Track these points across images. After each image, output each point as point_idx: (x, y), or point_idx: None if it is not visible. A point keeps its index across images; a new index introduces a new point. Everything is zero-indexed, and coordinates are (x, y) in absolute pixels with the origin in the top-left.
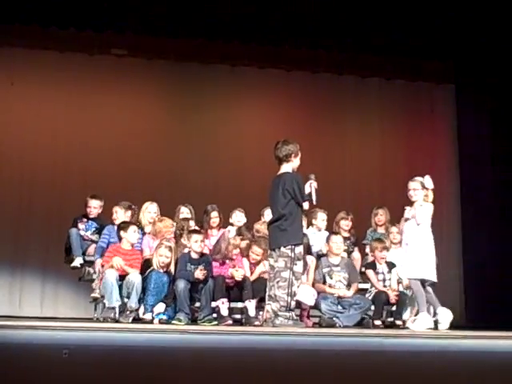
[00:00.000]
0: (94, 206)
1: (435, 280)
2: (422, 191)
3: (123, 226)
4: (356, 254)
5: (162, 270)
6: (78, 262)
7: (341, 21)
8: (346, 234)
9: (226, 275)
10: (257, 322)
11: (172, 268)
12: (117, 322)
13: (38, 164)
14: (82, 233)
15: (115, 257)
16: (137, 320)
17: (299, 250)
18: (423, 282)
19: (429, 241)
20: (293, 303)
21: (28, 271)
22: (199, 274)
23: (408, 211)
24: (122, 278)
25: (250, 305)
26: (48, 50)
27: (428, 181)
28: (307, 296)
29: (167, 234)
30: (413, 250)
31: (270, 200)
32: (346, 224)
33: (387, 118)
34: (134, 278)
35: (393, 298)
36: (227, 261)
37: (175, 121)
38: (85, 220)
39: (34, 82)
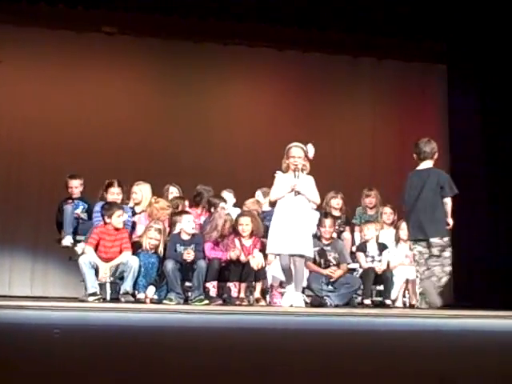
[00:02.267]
0: (76, 186)
1: (302, 253)
2: (304, 160)
3: (107, 208)
4: (347, 235)
5: (151, 252)
6: (68, 240)
7: (333, 0)
8: (337, 213)
9: (225, 258)
10: (238, 302)
11: (161, 249)
12: (104, 300)
13: (27, 142)
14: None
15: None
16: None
17: (446, 238)
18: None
19: (290, 213)
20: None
21: (18, 250)
22: (187, 256)
23: (281, 177)
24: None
25: (234, 287)
26: (37, 27)
27: (311, 149)
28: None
29: (162, 216)
30: (274, 223)
31: (410, 190)
32: (336, 203)
33: (379, 97)
34: (133, 261)
35: (379, 270)
36: (220, 239)
37: (165, 99)
38: (70, 201)
39: (23, 60)
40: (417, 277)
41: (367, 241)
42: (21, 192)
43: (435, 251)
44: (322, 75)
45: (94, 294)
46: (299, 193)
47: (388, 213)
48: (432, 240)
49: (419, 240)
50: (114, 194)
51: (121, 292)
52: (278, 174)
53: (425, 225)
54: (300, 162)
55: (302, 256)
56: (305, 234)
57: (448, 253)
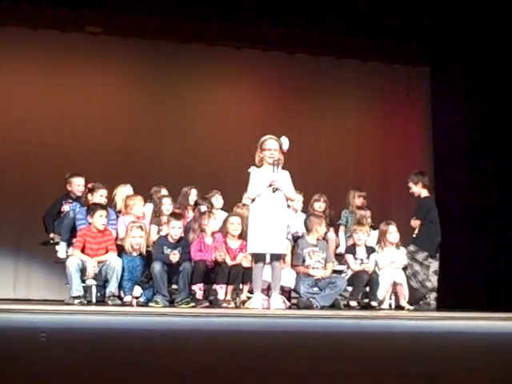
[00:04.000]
0: (80, 184)
1: (282, 252)
2: (279, 153)
3: (91, 209)
4: (331, 235)
5: (134, 253)
6: (63, 251)
7: (318, 2)
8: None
9: (209, 259)
10: (224, 304)
11: (144, 249)
12: (89, 303)
13: (11, 142)
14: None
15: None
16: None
17: None
18: (265, 256)
19: (270, 211)
20: None
21: (0, 252)
22: (173, 257)
23: (257, 173)
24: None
25: (221, 290)
26: (21, 26)
27: (285, 142)
28: (289, 279)
29: (135, 207)
30: (254, 222)
31: (432, 212)
32: (319, 206)
33: (363, 99)
34: (115, 262)
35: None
36: (207, 240)
37: (150, 100)
38: (70, 201)
39: (5, 60)
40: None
41: (357, 244)
42: (3, 192)
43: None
44: (308, 76)
45: (78, 297)
46: (278, 189)
47: (368, 216)
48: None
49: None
50: (103, 196)
51: (107, 295)
52: (254, 170)
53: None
54: (276, 154)
55: (280, 256)
56: (283, 232)
57: None
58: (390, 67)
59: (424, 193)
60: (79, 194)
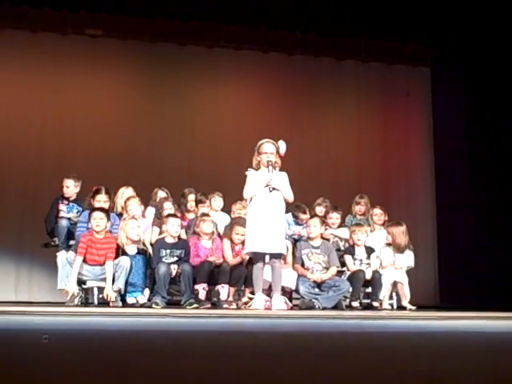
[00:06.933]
0: (67, 185)
1: (280, 252)
2: (275, 157)
3: (89, 213)
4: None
5: (133, 246)
6: (63, 257)
7: (317, 3)
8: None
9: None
10: (226, 305)
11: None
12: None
13: (12, 145)
14: (63, 214)
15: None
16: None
17: None
18: (264, 257)
19: (266, 211)
20: None
21: (1, 254)
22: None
23: (253, 175)
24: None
25: (223, 290)
26: (20, 29)
27: (282, 145)
28: (290, 280)
29: (129, 208)
30: (250, 222)
31: None
32: (320, 210)
33: (364, 100)
34: (124, 261)
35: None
36: (205, 243)
37: (150, 102)
38: (66, 202)
39: (6, 63)
40: None
41: (357, 244)
42: (4, 195)
43: None
44: (308, 78)
45: (72, 296)
46: (274, 189)
47: (378, 214)
48: None
49: None
50: (101, 201)
51: (113, 289)
52: (250, 172)
53: None
54: (273, 158)
55: (279, 255)
56: (281, 232)
57: None
58: (390, 67)
59: None
60: (67, 195)
